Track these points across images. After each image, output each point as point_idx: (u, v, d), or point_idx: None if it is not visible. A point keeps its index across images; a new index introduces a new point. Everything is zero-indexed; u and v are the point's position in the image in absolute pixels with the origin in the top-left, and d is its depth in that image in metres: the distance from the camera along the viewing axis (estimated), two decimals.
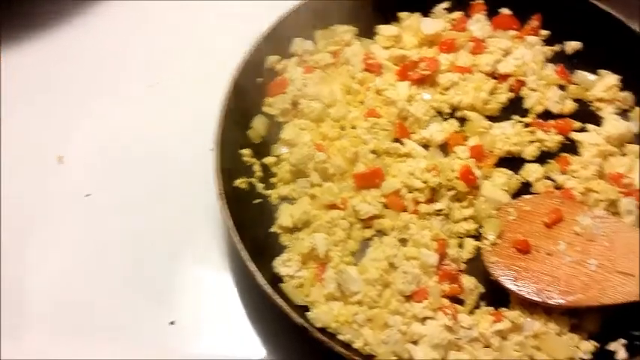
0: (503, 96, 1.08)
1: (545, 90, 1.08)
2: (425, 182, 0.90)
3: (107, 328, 0.89)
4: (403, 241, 0.88)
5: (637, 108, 1.04)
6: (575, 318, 0.81)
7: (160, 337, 0.88)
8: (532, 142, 1.01)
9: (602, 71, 1.08)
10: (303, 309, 0.83)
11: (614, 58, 1.07)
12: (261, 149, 1.00)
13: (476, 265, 0.88)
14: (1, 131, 1.08)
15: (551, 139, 1.01)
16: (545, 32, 1.14)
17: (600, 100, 1.07)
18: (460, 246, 0.89)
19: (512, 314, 0.81)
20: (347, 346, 0.80)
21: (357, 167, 0.94)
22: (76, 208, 1.01)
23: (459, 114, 1.06)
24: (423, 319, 0.81)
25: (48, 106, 1.13)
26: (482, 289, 0.85)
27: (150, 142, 1.08)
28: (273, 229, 0.91)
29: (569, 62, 1.11)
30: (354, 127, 1.03)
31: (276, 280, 0.84)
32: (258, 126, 1.01)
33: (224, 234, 0.96)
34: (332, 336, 0.81)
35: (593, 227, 0.82)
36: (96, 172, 1.05)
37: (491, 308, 0.84)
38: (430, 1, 1.17)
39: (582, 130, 1.04)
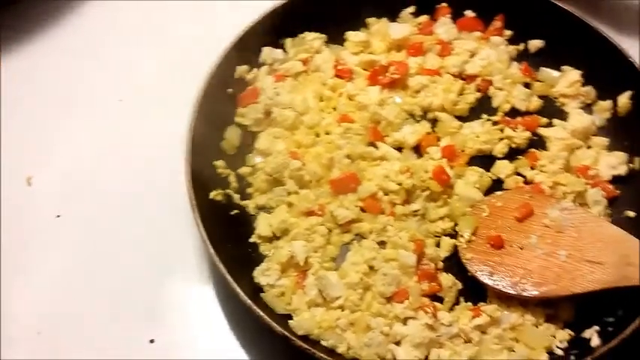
0: (472, 96, 1.12)
1: (512, 88, 1.13)
2: (400, 184, 0.93)
3: (85, 349, 0.89)
4: (382, 244, 0.91)
5: (600, 102, 1.10)
6: (550, 308, 0.86)
7: (140, 357, 0.88)
8: (501, 139, 1.05)
9: (565, 67, 1.14)
10: (286, 317, 0.85)
11: (575, 54, 1.13)
12: (236, 160, 1.02)
13: (453, 263, 0.91)
14: None
15: (520, 135, 1.05)
16: (508, 32, 1.19)
17: (564, 95, 1.12)
18: (437, 245, 0.92)
19: (490, 308, 0.85)
20: (330, 351, 0.82)
21: (333, 173, 0.97)
22: (48, 229, 1.01)
23: (430, 115, 1.10)
24: (405, 320, 0.84)
25: (13, 127, 1.12)
26: (460, 286, 0.89)
27: (120, 158, 1.09)
28: (253, 239, 0.93)
29: (533, 60, 1.17)
30: (328, 134, 1.06)
31: (257, 290, 0.86)
32: (232, 137, 1.03)
33: (202, 247, 0.97)
34: (315, 342, 0.83)
35: (562, 219, 0.87)
36: (66, 192, 1.05)
37: (469, 304, 0.87)
38: (397, 7, 1.22)
39: (549, 125, 1.09)
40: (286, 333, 0.78)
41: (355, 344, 0.82)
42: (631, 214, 0.96)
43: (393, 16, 1.21)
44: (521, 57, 1.18)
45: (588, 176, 0.99)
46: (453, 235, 0.93)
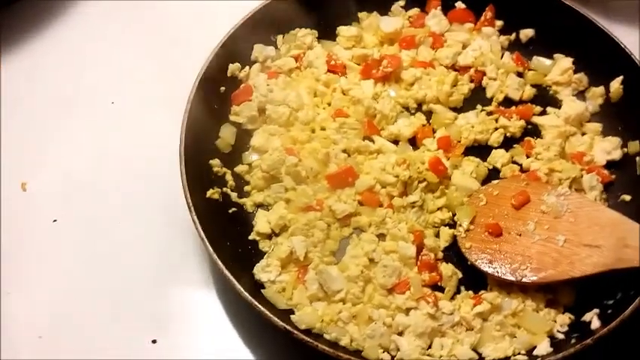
0: (465, 87, 1.14)
1: (505, 78, 1.15)
2: (396, 176, 0.95)
3: (86, 350, 0.90)
4: (381, 236, 0.93)
5: (592, 88, 1.12)
6: (550, 293, 0.88)
7: (142, 357, 0.89)
8: (496, 129, 1.07)
9: (557, 55, 1.16)
10: (287, 312, 0.86)
11: (566, 42, 1.15)
12: (232, 158, 1.03)
13: (453, 253, 0.93)
14: None
15: (514, 124, 1.07)
16: (499, 23, 1.21)
17: (557, 83, 1.14)
18: (436, 235, 0.94)
19: (491, 295, 0.87)
20: (333, 344, 0.84)
21: (330, 168, 0.99)
22: (45, 234, 1.02)
23: (424, 108, 1.12)
24: (407, 310, 0.85)
25: (11, 127, 1.13)
26: (460, 275, 0.91)
27: (117, 160, 1.10)
28: (252, 236, 0.94)
29: (525, 49, 1.19)
30: (323, 129, 1.08)
31: (258, 286, 0.87)
32: (226, 135, 1.04)
33: (202, 246, 0.98)
34: (318, 336, 0.84)
35: (558, 205, 0.89)
36: (61, 196, 1.06)
37: (470, 292, 0.89)
38: (387, 0, 1.24)
39: (543, 113, 1.11)
40: (288, 328, 0.80)
41: (358, 336, 0.83)
42: (627, 197, 0.98)
43: (384, 10, 1.24)
44: (513, 47, 1.20)
45: (583, 162, 1.01)
46: (452, 225, 0.95)
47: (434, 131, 1.07)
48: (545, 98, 1.14)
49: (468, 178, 0.98)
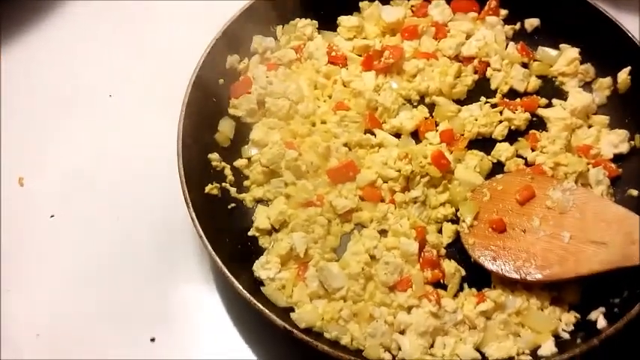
0: (469, 78, 1.10)
1: (509, 69, 1.11)
2: (398, 171, 0.92)
3: (84, 349, 0.89)
4: (383, 232, 0.90)
5: (599, 79, 1.08)
6: (555, 291, 0.85)
7: (141, 356, 0.87)
8: (501, 122, 1.04)
9: (563, 45, 1.12)
10: (287, 311, 0.84)
11: (572, 32, 1.11)
12: (231, 152, 1.00)
13: (456, 249, 0.90)
14: None
15: (519, 117, 1.04)
16: (504, 12, 1.17)
17: (563, 74, 1.11)
18: (439, 231, 0.91)
19: (494, 293, 0.84)
20: (334, 343, 0.81)
21: (330, 162, 0.96)
22: (43, 231, 0.99)
23: (427, 100, 1.08)
24: (408, 308, 0.83)
25: (10, 122, 1.10)
26: (463, 272, 0.88)
27: (113, 158, 1.07)
28: (251, 232, 0.92)
29: (530, 39, 1.15)
30: (324, 122, 1.04)
31: (258, 284, 0.85)
32: (225, 129, 1.01)
33: (202, 243, 0.96)
34: (319, 335, 0.82)
35: (564, 200, 0.86)
36: (59, 193, 1.03)
37: (474, 290, 0.87)
38: None
39: (549, 105, 1.08)
40: (288, 326, 0.78)
41: (359, 335, 0.81)
42: (634, 192, 0.95)
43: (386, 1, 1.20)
44: (517, 36, 1.16)
45: (590, 155, 0.98)
46: (455, 220, 0.92)
47: (436, 124, 1.03)
48: (550, 89, 1.10)
49: (472, 173, 0.95)
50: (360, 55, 1.12)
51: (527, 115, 1.04)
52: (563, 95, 1.09)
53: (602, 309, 0.83)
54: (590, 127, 1.03)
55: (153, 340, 0.89)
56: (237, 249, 0.87)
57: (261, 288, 0.84)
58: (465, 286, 0.88)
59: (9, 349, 0.89)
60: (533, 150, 1.00)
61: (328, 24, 1.17)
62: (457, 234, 0.91)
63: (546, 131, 1.03)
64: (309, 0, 1.14)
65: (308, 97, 1.06)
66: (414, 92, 1.08)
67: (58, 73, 1.17)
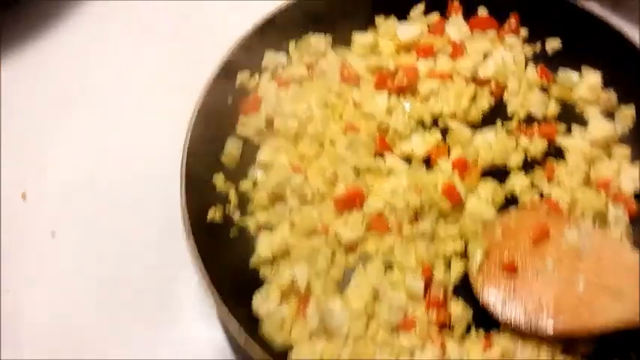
0: (485, 102, 1.04)
1: (528, 93, 1.05)
2: (407, 202, 0.87)
3: (86, 350, 0.86)
4: (388, 266, 0.85)
5: (622, 107, 1.02)
6: (567, 340, 0.79)
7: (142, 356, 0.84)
8: (516, 149, 0.98)
9: (585, 69, 1.05)
10: (286, 350, 0.79)
11: (595, 56, 1.04)
12: (237, 174, 0.95)
13: (464, 287, 0.85)
14: None
15: (536, 145, 0.97)
16: (524, 30, 1.11)
17: (584, 100, 1.04)
18: (447, 267, 0.86)
19: (503, 339, 0.79)
20: None
21: (338, 188, 0.91)
22: (44, 246, 0.96)
23: (440, 123, 1.03)
24: (411, 351, 0.78)
25: (5, 135, 1.07)
26: (471, 313, 0.82)
27: (116, 163, 1.04)
28: (252, 264, 0.87)
29: (551, 61, 1.08)
30: (332, 144, 1.00)
31: (255, 319, 0.81)
32: (232, 150, 0.96)
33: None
34: None
35: (580, 242, 0.80)
36: (61, 207, 1.00)
37: (481, 332, 0.81)
38: (407, 3, 1.14)
39: (568, 132, 1.01)
40: None
41: None
42: None
43: (403, 13, 1.14)
44: (537, 58, 1.09)
45: (609, 190, 0.91)
46: (464, 256, 0.87)
47: (449, 150, 0.99)
48: (570, 116, 1.03)
49: (484, 205, 0.89)
50: (374, 74, 1.07)
51: (545, 144, 0.98)
52: (583, 122, 1.02)
53: None
54: (610, 158, 0.97)
55: (152, 343, 0.86)
56: (238, 279, 0.83)
57: (260, 324, 0.80)
58: (473, 328, 0.82)
59: (9, 349, 0.88)
60: (549, 181, 0.94)
61: (343, 38, 1.12)
62: (465, 271, 0.85)
63: (564, 161, 0.96)
64: (324, 14, 1.09)
65: (318, 117, 1.02)
66: (428, 114, 1.03)
67: (62, 76, 1.14)
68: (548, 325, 0.76)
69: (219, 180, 0.93)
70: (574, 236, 0.81)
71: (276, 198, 0.91)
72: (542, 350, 0.78)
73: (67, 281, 0.93)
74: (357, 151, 0.96)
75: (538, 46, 1.10)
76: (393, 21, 1.12)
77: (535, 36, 1.10)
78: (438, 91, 1.05)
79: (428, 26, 1.13)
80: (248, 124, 1.00)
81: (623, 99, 1.02)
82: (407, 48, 1.11)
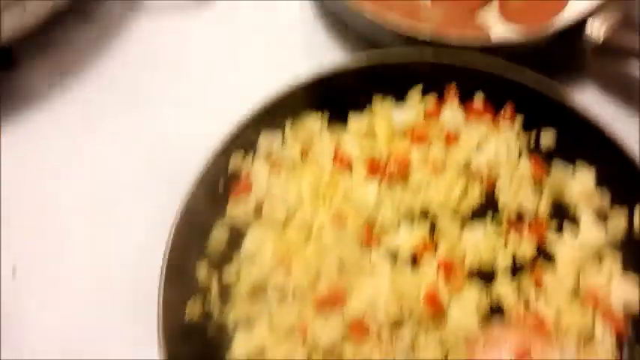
0: (476, 195, 1.01)
1: (520, 188, 1.02)
2: (388, 308, 0.85)
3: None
4: None
5: (615, 211, 0.99)
6: None
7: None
8: (505, 250, 0.95)
9: (580, 166, 1.03)
10: None
11: (589, 153, 1.01)
12: (221, 260, 0.93)
13: None
14: None
15: (525, 247, 0.95)
16: (519, 121, 1.09)
17: (577, 199, 1.02)
18: None
19: None
20: None
21: (320, 285, 0.89)
22: (29, 328, 0.93)
23: (429, 216, 1.01)
24: None
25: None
26: None
27: (100, 255, 1.02)
28: None
29: (546, 153, 1.06)
30: (320, 234, 0.98)
31: None
32: (219, 237, 0.95)
33: None
34: None
35: None
36: (50, 280, 0.99)
37: None
38: (405, 84, 1.13)
39: (559, 232, 0.98)
40: None
41: None
42: None
43: (402, 93, 1.12)
44: (532, 150, 1.07)
45: (597, 302, 0.88)
46: None
47: (436, 247, 0.96)
48: (563, 212, 1.01)
49: (468, 314, 0.86)
50: (366, 160, 1.05)
51: (534, 244, 0.95)
52: (576, 221, 0.99)
53: None
54: (600, 267, 0.94)
55: None
56: None
57: None
58: None
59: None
60: (537, 286, 0.91)
61: (340, 117, 1.11)
62: None
63: (553, 265, 0.93)
64: (322, 93, 1.08)
65: (307, 204, 1.00)
66: (417, 206, 1.01)
67: (54, 153, 1.13)
68: None
69: (202, 270, 0.91)
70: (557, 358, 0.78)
71: (258, 292, 0.90)
72: None
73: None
74: (343, 245, 0.94)
75: (533, 135, 1.08)
76: (390, 102, 1.11)
77: (531, 124, 1.08)
78: (429, 181, 1.03)
79: (425, 108, 1.12)
80: (237, 209, 0.99)
81: (616, 201, 0.99)
82: (402, 132, 1.10)
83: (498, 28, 1.24)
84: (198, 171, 0.96)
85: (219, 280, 0.92)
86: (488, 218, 0.99)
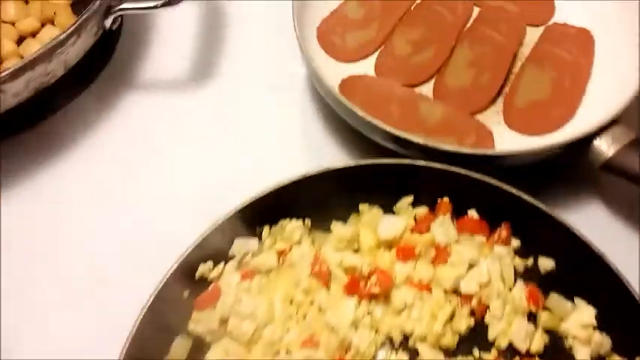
0: (463, 323, 0.93)
1: (512, 319, 0.94)
2: None
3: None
4: None
5: (615, 356, 0.90)
6: None
7: None
8: None
9: (579, 301, 0.94)
10: None
11: (590, 288, 0.93)
12: None
13: None
14: None
15: None
16: (516, 242, 1.02)
17: (574, 336, 0.93)
18: None
19: None
20: None
21: None
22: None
23: (410, 343, 0.92)
24: None
25: None
26: None
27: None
28: None
29: (543, 281, 0.97)
30: (288, 353, 0.91)
31: None
32: (179, 350, 0.89)
33: None
34: None
35: None
36: None
37: None
38: (395, 193, 1.08)
39: None
40: None
41: None
42: None
43: (391, 201, 1.07)
44: (528, 275, 0.99)
45: None
46: None
47: None
48: (557, 351, 0.92)
49: None
50: (346, 273, 0.99)
51: None
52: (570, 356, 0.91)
53: None
54: None
55: None
56: None
57: None
58: None
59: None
60: None
61: (323, 222, 1.05)
62: None
63: None
64: (305, 197, 1.03)
65: (278, 319, 0.93)
66: (397, 332, 0.93)
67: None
68: None
69: None
70: None
71: None
72: None
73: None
74: None
75: (530, 261, 1.00)
76: (377, 211, 1.05)
77: (528, 250, 1.00)
78: (413, 303, 0.95)
79: (415, 219, 1.06)
80: (201, 321, 0.92)
81: (617, 348, 0.90)
82: (388, 244, 1.03)
83: (500, 134, 1.20)
84: (165, 274, 0.91)
85: None
86: (476, 354, 0.91)
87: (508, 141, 1.18)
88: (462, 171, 1.01)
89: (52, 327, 0.99)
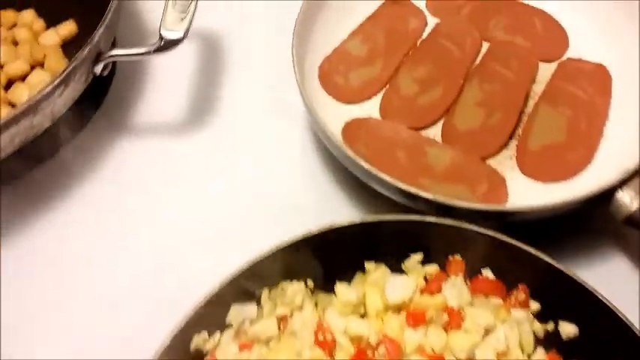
0: None
1: None
2: None
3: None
4: None
5: None
6: None
7: None
8: None
9: None
10: None
11: (617, 356, 0.87)
12: None
13: None
14: None
15: None
16: (535, 306, 0.95)
17: None
18: None
19: None
20: None
21: None
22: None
23: None
24: None
25: None
26: None
27: None
28: None
29: (565, 348, 0.91)
30: None
31: None
32: None
33: None
34: None
35: None
36: None
37: None
38: (403, 249, 1.01)
39: None
40: None
41: None
42: None
43: (400, 259, 1.01)
44: (550, 340, 0.93)
45: None
46: None
47: None
48: None
49: None
50: (352, 342, 0.92)
51: None
52: None
53: None
54: None
55: None
56: None
57: None
58: None
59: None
60: None
61: (326, 281, 0.99)
62: None
63: None
64: (306, 257, 0.98)
65: None
66: None
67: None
68: None
69: None
70: None
71: None
72: None
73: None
74: None
75: (551, 325, 0.93)
76: (384, 270, 0.99)
77: (548, 313, 0.94)
78: None
79: (425, 278, 0.99)
80: None
81: None
82: (396, 308, 0.97)
83: (514, 180, 1.14)
84: (158, 347, 0.84)
85: None
86: None
87: (522, 188, 1.12)
88: (475, 227, 0.95)
89: None
